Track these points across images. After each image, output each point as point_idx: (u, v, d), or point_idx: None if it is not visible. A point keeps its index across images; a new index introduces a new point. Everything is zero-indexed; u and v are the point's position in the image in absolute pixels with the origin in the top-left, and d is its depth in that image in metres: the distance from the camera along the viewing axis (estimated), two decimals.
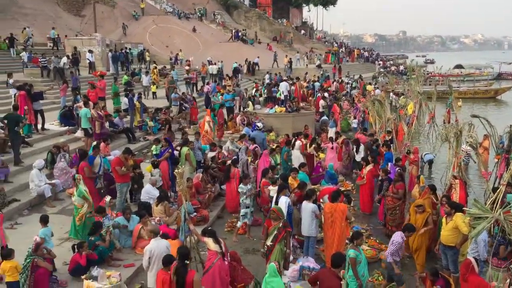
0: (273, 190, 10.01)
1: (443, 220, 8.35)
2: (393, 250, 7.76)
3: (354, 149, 15.15)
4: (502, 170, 12.36)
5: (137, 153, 15.23)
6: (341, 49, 57.34)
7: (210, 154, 14.28)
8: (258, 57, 40.77)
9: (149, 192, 10.76)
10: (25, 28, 29.69)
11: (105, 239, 8.50)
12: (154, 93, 24.09)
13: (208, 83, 27.10)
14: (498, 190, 9.39)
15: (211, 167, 12.95)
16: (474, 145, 12.61)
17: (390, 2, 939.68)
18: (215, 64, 33.65)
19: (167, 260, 6.40)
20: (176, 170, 8.07)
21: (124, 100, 18.84)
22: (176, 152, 12.69)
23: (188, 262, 6.38)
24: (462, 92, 37.92)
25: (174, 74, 25.95)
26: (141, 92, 21.58)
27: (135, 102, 18.14)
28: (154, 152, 13.26)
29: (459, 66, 56.69)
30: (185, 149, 12.28)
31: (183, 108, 20.95)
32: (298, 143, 14.48)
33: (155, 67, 28.21)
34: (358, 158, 14.67)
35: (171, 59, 34.56)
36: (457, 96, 31.51)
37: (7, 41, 27.15)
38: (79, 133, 15.17)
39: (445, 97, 28.77)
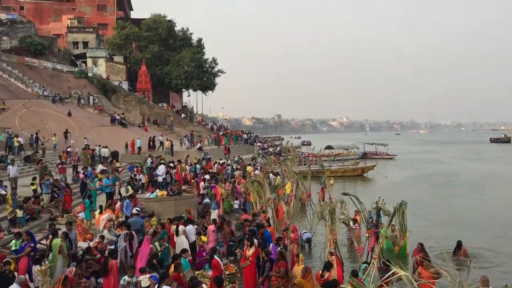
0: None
1: None
2: None
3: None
4: (372, 244, 13.22)
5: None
6: (220, 131, 59.33)
7: (83, 245, 13.28)
8: (162, 135, 42.55)
9: None
10: None
11: None
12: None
13: (85, 168, 25.79)
14: (371, 264, 9.96)
15: (85, 260, 11.98)
16: (347, 221, 13.41)
17: (265, 88, 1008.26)
18: (98, 147, 32.90)
19: None
20: (38, 268, 7.30)
21: None
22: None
23: None
24: (333, 171, 40.82)
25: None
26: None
27: (2, 192, 16.46)
28: (13, 248, 11.81)
29: (329, 147, 61.44)
30: (57, 241, 11.26)
31: (55, 196, 19.56)
32: (181, 228, 14.13)
33: None
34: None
35: (42, 143, 32.36)
36: (329, 174, 33.89)
37: None
38: None
39: (318, 176, 30.72)
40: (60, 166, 25.26)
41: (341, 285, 8.49)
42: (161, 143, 41.67)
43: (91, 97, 51.19)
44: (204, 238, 15.14)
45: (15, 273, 10.31)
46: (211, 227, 15.28)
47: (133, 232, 13.36)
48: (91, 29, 66.44)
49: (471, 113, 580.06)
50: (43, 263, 7.94)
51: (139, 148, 39.15)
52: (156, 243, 12.92)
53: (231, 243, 14.83)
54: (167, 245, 13.02)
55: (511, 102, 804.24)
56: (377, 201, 13.81)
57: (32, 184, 20.05)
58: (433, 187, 34.89)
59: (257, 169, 33.67)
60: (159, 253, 12.13)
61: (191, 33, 68.41)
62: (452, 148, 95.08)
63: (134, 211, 15.41)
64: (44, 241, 12.24)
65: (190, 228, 14.16)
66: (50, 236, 11.56)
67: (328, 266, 10.52)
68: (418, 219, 21.02)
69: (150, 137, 41.73)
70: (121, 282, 9.49)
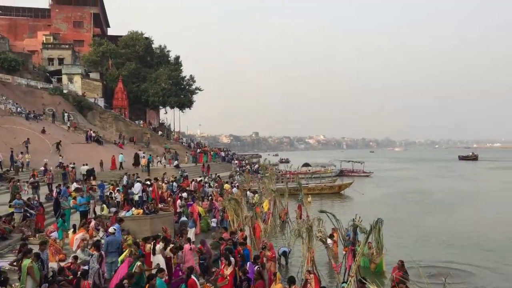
0: None
1: None
2: None
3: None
4: (350, 262, 13.25)
5: None
6: (198, 149, 59.16)
7: (55, 266, 12.92)
8: (144, 152, 42.44)
9: None
10: None
11: None
12: None
13: (59, 186, 25.20)
14: (348, 282, 9.97)
15: (57, 281, 11.63)
16: (324, 239, 13.42)
17: (243, 106, 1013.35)
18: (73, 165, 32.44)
19: None
20: None
21: None
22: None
23: None
24: (310, 188, 40.99)
25: None
26: None
27: None
28: None
29: (306, 165, 61.93)
30: (26, 262, 10.92)
31: (28, 215, 19.05)
32: (158, 246, 13.92)
33: None
34: None
35: (16, 162, 31.69)
36: (306, 192, 33.97)
37: None
38: None
39: (296, 193, 30.75)
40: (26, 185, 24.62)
41: None
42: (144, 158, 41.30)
43: (66, 114, 50.43)
44: None
45: None
46: (187, 246, 15.10)
47: (102, 252, 13.08)
48: (67, 46, 65.81)
49: (445, 131, 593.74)
50: (12, 285, 7.66)
51: (121, 163, 38.68)
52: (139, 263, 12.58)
53: (200, 261, 14.64)
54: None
55: (484, 120, 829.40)
56: (354, 219, 13.88)
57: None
58: (408, 204, 35.33)
59: (234, 187, 33.52)
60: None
61: (168, 51, 68.57)
62: (425, 165, 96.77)
63: (111, 230, 15.05)
64: (15, 263, 11.88)
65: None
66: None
67: (292, 280, 10.53)
68: (394, 236, 21.20)
69: (135, 154, 41.28)
70: None
